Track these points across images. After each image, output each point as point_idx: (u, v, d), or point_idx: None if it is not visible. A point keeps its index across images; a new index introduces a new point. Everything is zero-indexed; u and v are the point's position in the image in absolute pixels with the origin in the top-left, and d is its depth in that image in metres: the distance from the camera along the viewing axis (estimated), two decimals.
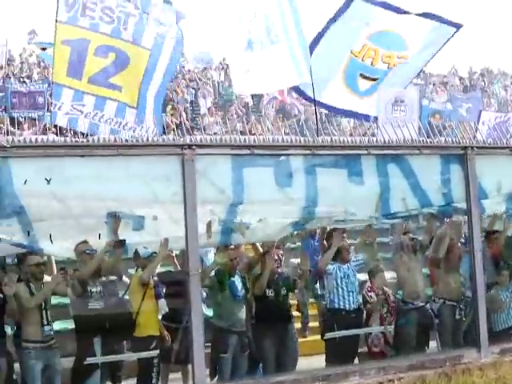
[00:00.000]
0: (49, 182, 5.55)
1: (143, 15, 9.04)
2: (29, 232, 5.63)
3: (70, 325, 7.45)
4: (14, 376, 6.31)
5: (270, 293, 7.44)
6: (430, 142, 6.93)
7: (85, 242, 6.21)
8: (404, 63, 11.79)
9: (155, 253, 6.84)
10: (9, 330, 6.62)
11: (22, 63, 22.63)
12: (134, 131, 8.88)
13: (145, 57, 9.08)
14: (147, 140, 6.08)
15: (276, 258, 7.57)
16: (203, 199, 5.89)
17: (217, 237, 6.26)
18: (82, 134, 7.82)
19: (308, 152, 6.39)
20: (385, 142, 6.77)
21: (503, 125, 13.44)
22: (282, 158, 6.30)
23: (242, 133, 6.96)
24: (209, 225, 6.01)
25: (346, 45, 11.54)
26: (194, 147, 5.86)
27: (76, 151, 5.67)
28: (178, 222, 5.81)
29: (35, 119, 14.45)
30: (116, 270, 7.08)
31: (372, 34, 11.49)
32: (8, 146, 5.46)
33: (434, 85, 29.86)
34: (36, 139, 5.89)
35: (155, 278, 7.40)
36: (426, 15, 11.59)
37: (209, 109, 20.29)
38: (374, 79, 11.84)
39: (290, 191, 6.34)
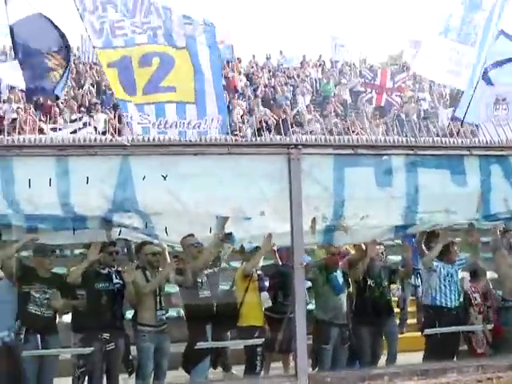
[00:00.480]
0: (165, 178, 5.96)
1: (167, 21, 9.12)
2: (146, 224, 6.09)
3: (176, 312, 7.95)
4: (130, 357, 6.80)
5: (370, 283, 7.63)
6: None
7: (191, 235, 6.61)
8: None
9: (259, 247, 7.14)
10: (127, 314, 7.12)
11: None
12: (199, 127, 9.12)
13: (186, 55, 9.21)
14: (256, 140, 6.40)
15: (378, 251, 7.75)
16: (307, 197, 6.15)
17: (320, 233, 6.52)
18: None
19: (410, 152, 6.52)
20: (487, 142, 6.82)
21: None
22: (384, 157, 6.46)
23: (341, 133, 7.13)
24: (313, 221, 6.27)
25: None
26: (300, 147, 6.12)
27: (190, 149, 6.08)
28: (284, 218, 6.10)
29: None
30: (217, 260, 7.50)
31: None
32: (128, 144, 5.94)
33: None
34: (153, 138, 6.33)
35: (259, 272, 7.72)
36: None
37: (307, 106, 20.52)
38: None
39: (390, 190, 6.50)
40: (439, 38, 11.14)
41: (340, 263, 7.58)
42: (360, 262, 7.49)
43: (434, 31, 11.29)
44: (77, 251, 8.84)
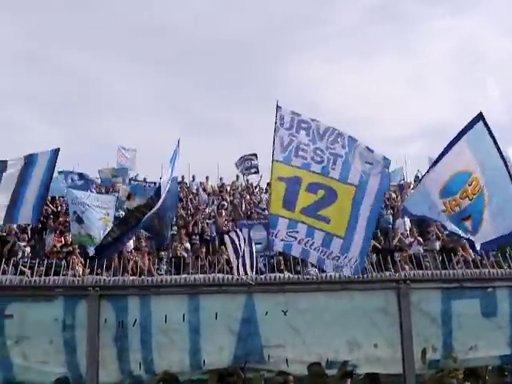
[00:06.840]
0: (285, 313, 6.71)
1: (349, 154, 10.07)
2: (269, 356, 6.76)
3: None
4: None
5: None
6: None
7: (318, 363, 6.90)
8: None
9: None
10: None
11: None
12: (337, 260, 9.80)
13: (351, 192, 10.04)
14: (367, 276, 7.00)
15: None
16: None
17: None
18: None
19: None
20: None
21: None
22: (489, 289, 6.91)
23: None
24: (423, 352, 6.71)
25: None
26: (408, 282, 6.71)
27: (309, 287, 6.81)
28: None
29: None
30: None
31: None
32: (252, 283, 6.70)
33: None
34: (274, 277, 7.03)
35: None
36: None
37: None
38: None
39: (496, 320, 6.89)
40: None
41: None
42: None
43: None
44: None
